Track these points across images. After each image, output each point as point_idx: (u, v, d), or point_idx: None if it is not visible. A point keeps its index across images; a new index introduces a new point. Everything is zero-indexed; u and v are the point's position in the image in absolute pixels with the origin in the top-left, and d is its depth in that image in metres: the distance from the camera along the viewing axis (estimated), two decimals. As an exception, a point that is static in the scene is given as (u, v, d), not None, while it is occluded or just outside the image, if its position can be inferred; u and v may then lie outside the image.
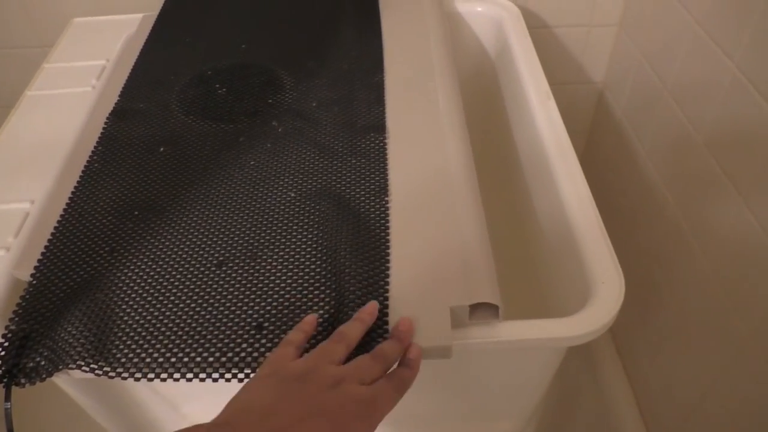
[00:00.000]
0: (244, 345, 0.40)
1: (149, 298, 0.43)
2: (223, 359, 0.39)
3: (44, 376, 0.39)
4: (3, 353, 0.40)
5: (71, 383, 0.48)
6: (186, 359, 0.39)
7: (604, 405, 0.86)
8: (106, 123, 0.58)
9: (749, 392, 0.60)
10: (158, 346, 0.40)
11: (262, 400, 0.32)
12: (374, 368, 0.36)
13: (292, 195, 0.50)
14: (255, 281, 0.43)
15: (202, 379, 0.39)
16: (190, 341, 0.40)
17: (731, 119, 0.61)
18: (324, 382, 0.34)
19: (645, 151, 0.80)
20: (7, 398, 0.39)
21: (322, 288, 0.43)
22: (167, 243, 0.46)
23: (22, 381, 0.39)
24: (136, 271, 0.45)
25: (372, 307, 0.40)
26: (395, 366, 0.38)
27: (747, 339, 0.60)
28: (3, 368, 0.39)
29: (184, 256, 0.45)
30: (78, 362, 0.39)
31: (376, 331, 0.40)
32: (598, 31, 0.88)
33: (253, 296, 0.42)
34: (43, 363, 0.39)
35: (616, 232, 0.89)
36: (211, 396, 0.54)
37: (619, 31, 0.88)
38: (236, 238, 0.46)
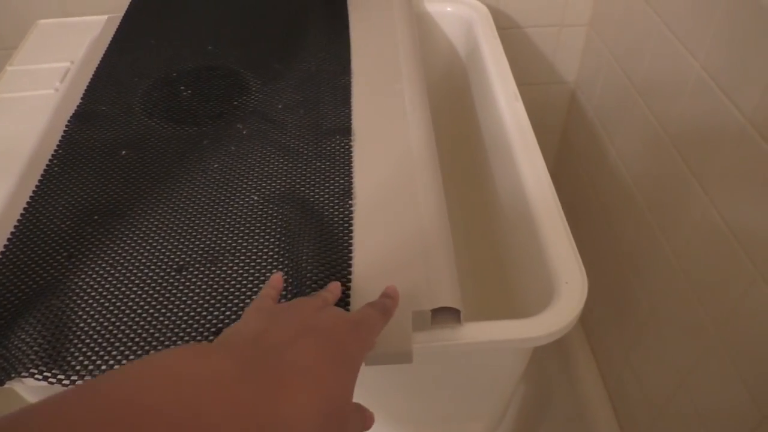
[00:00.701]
0: (203, 351, 0.39)
1: (106, 304, 0.42)
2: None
3: (-3, 385, 0.39)
4: (-45, 362, 0.39)
5: (30, 391, 0.47)
6: (143, 366, 0.39)
7: (579, 404, 0.87)
8: (67, 126, 0.57)
9: (717, 388, 0.61)
10: (114, 352, 0.39)
11: (256, 326, 0.32)
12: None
13: (255, 198, 0.49)
14: (215, 286, 0.43)
15: (159, 387, 0.38)
16: (147, 347, 0.39)
17: (696, 118, 0.62)
18: (313, 305, 0.34)
19: (615, 149, 0.81)
20: (-41, 409, 0.38)
21: (283, 292, 0.42)
22: (127, 248, 0.46)
23: (-25, 390, 0.38)
24: (94, 276, 0.44)
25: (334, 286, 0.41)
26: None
27: (714, 336, 0.60)
28: (-46, 378, 0.38)
29: (144, 261, 0.45)
30: (31, 370, 0.38)
31: None
32: (569, 31, 0.89)
33: (212, 301, 0.42)
34: (-4, 371, 0.39)
35: (588, 231, 0.89)
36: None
37: (589, 31, 0.88)
38: (197, 243, 0.46)
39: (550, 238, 0.48)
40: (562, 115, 0.99)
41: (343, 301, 0.41)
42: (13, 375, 0.38)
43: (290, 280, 0.43)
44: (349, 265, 0.43)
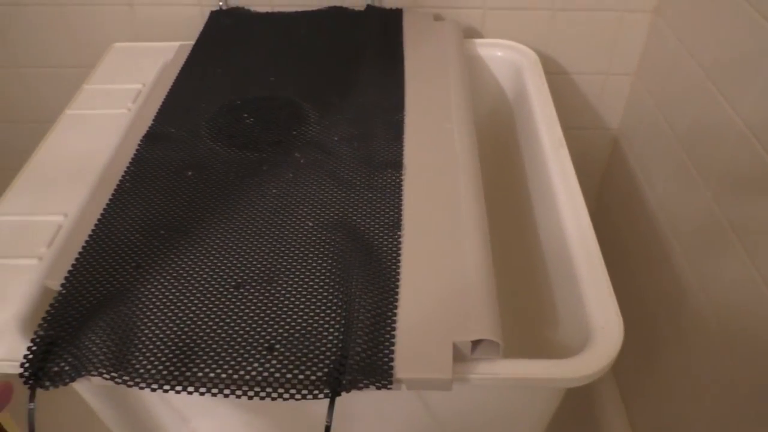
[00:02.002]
0: (256, 365, 0.42)
1: (169, 314, 0.45)
2: (235, 377, 0.41)
3: (67, 380, 0.42)
4: (30, 357, 0.42)
5: (89, 389, 0.50)
6: (200, 374, 0.42)
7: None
8: (139, 145, 0.61)
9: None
10: (175, 360, 0.42)
11: None
12: None
13: (310, 224, 0.52)
14: (269, 304, 0.46)
15: (214, 395, 0.41)
16: (204, 357, 0.42)
17: (737, 171, 0.63)
18: None
19: (655, 198, 0.82)
20: (31, 399, 0.41)
21: (333, 315, 0.45)
22: (189, 262, 0.49)
23: (46, 384, 0.42)
24: (159, 287, 0.47)
25: None
26: None
27: (748, 393, 0.60)
28: (30, 371, 0.42)
29: (204, 275, 0.48)
30: (99, 370, 0.42)
31: (382, 352, 0.42)
32: (615, 79, 0.91)
33: (266, 318, 0.45)
34: (66, 368, 0.42)
35: (624, 277, 0.90)
36: (220, 412, 0.56)
37: (634, 80, 0.90)
38: (254, 262, 0.49)
39: (590, 282, 0.50)
40: (603, 161, 1.00)
41: (390, 326, 0.44)
42: (83, 373, 0.42)
43: (340, 304, 0.45)
44: (396, 293, 0.46)
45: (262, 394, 0.41)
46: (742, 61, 0.62)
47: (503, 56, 0.80)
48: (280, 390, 0.41)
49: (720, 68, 0.67)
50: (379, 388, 0.41)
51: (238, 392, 0.41)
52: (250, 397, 0.41)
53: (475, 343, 0.44)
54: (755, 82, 0.60)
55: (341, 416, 0.42)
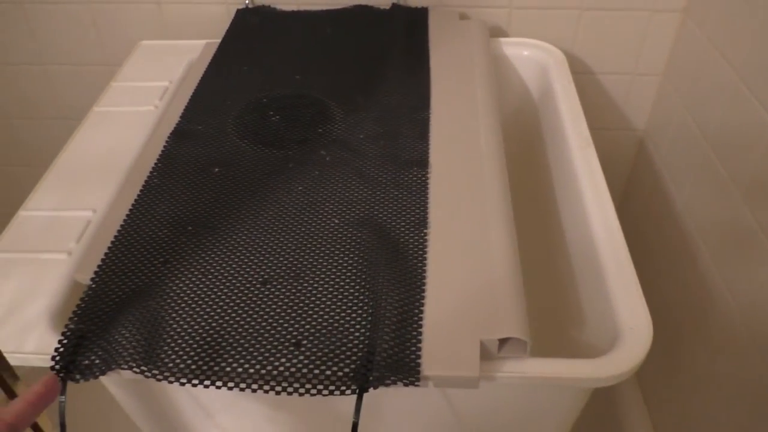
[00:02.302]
0: (283, 360, 0.42)
1: (197, 309, 0.45)
2: (263, 372, 0.41)
3: (97, 373, 0.42)
4: (61, 350, 0.43)
5: (116, 383, 0.51)
6: (228, 369, 0.42)
7: (628, 452, 0.85)
8: (166, 142, 0.61)
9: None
10: (203, 354, 0.43)
11: None
12: None
13: (336, 222, 0.52)
14: (296, 300, 0.46)
15: (242, 389, 0.41)
16: (232, 352, 0.43)
17: (769, 175, 0.62)
18: None
19: (682, 200, 0.81)
20: (62, 392, 0.42)
21: (360, 312, 0.45)
22: (217, 258, 0.49)
23: (77, 377, 0.42)
24: (187, 282, 0.47)
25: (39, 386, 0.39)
26: None
27: (776, 396, 0.59)
28: (60, 364, 0.42)
29: (232, 272, 0.48)
30: (129, 363, 0.42)
31: (409, 349, 0.41)
32: (642, 79, 0.90)
33: (293, 314, 0.45)
34: (97, 362, 0.42)
35: (649, 279, 0.89)
36: (245, 408, 0.57)
37: (662, 81, 0.89)
38: (281, 259, 0.49)
39: (618, 282, 0.49)
40: (629, 162, 0.99)
41: (417, 323, 0.43)
42: (113, 366, 0.42)
43: (367, 301, 0.45)
44: (423, 291, 0.46)
45: (290, 389, 0.41)
46: (774, 60, 0.61)
47: (529, 55, 0.80)
48: (308, 386, 0.41)
49: (752, 68, 0.66)
50: (406, 385, 0.40)
51: (266, 387, 0.41)
52: (278, 392, 0.41)
53: (503, 342, 0.43)
54: (788, 82, 0.59)
55: (366, 413, 0.41)
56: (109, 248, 0.50)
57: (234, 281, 0.48)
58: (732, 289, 0.68)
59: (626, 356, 0.45)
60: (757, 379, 0.63)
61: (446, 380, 0.41)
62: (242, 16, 0.82)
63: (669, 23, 0.84)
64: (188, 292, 0.47)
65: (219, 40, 0.77)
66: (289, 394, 0.41)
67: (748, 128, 0.66)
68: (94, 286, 0.47)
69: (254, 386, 0.41)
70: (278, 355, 0.42)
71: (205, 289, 0.47)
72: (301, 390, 0.41)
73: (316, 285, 0.47)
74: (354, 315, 0.45)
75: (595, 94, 0.91)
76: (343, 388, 0.41)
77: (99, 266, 0.49)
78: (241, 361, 0.42)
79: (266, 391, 0.41)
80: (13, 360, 0.42)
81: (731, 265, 0.69)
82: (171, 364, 0.42)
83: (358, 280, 0.47)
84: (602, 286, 0.50)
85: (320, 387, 0.41)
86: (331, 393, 0.41)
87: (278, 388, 0.41)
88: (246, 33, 0.79)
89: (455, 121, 0.63)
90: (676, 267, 0.82)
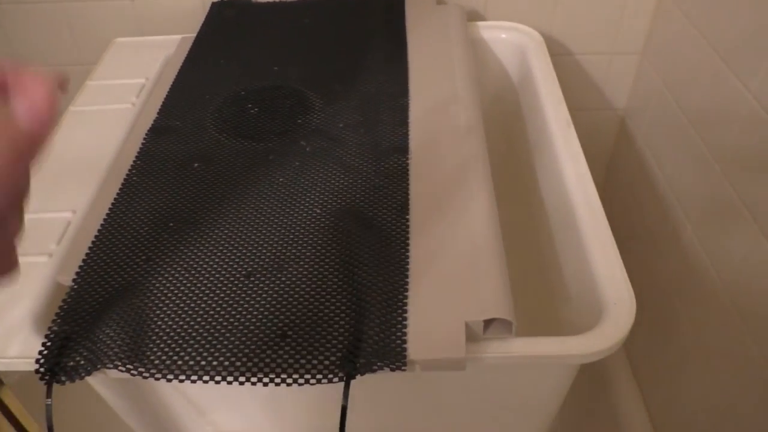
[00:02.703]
0: (269, 351, 0.42)
1: (181, 305, 0.45)
2: (249, 364, 0.41)
3: (83, 374, 0.42)
4: (45, 353, 0.43)
5: (104, 383, 0.51)
6: (214, 363, 0.42)
7: (620, 429, 0.86)
8: (144, 139, 0.61)
9: (763, 420, 0.61)
10: (189, 350, 0.42)
11: None
12: None
13: (318, 211, 0.52)
14: (281, 291, 0.46)
15: (229, 382, 0.41)
16: (218, 346, 0.43)
17: (748, 148, 0.63)
18: None
19: (665, 177, 0.82)
20: (48, 395, 0.41)
21: (344, 299, 0.45)
22: (199, 253, 0.49)
23: (63, 379, 0.42)
24: (170, 279, 0.47)
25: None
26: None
27: (763, 366, 0.60)
28: (45, 367, 0.42)
29: (215, 266, 0.48)
30: (115, 362, 0.42)
31: (395, 334, 0.42)
32: (621, 59, 0.90)
33: (278, 305, 0.45)
34: (82, 362, 0.42)
35: (635, 256, 0.90)
36: (236, 403, 0.57)
37: (641, 60, 0.90)
38: (264, 251, 0.49)
39: (601, 259, 0.50)
40: (610, 142, 1.00)
41: (402, 308, 0.43)
42: (99, 366, 0.42)
43: (351, 289, 0.45)
44: (407, 276, 0.46)
45: (277, 380, 0.41)
46: (752, 38, 0.62)
47: (507, 38, 0.80)
48: (295, 375, 0.41)
49: (730, 45, 0.66)
50: (393, 370, 0.41)
51: (253, 379, 0.41)
52: (266, 384, 0.41)
53: (488, 323, 0.44)
54: (764, 58, 0.59)
55: (356, 398, 0.42)
56: (90, 248, 0.50)
57: (217, 275, 0.47)
58: (715, 262, 0.69)
59: (611, 331, 0.45)
60: (742, 351, 0.63)
61: (433, 363, 0.42)
62: (217, 9, 0.81)
63: (646, 1, 0.84)
64: (172, 288, 0.46)
65: (195, 35, 0.77)
66: (277, 384, 0.41)
67: (726, 104, 0.66)
68: (76, 287, 0.47)
69: (241, 379, 0.41)
70: (264, 347, 0.42)
71: (188, 285, 0.47)
72: (289, 380, 0.41)
73: (299, 275, 0.47)
74: (339, 303, 0.45)
75: (574, 75, 0.92)
76: (331, 376, 0.41)
77: (80, 267, 0.48)
78: (228, 354, 0.42)
79: (254, 383, 0.41)
80: (-4, 365, 0.42)
81: (714, 239, 0.69)
82: (157, 361, 0.42)
83: (342, 269, 0.47)
84: (585, 264, 0.50)
85: (308, 376, 0.41)
86: (319, 381, 0.41)
87: (266, 380, 0.41)
88: (222, 26, 0.78)
89: (435, 107, 0.62)
90: (660, 243, 0.83)
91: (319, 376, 0.41)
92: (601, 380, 0.92)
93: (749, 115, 0.62)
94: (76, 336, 0.43)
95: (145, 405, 0.55)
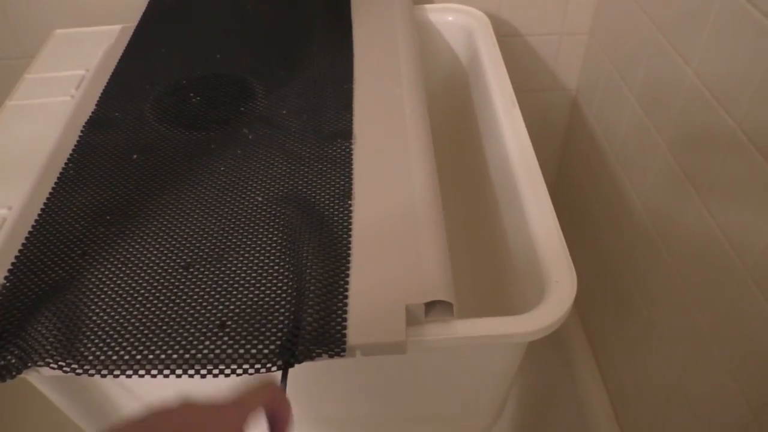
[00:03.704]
0: (207, 342, 0.41)
1: (118, 299, 0.44)
2: (187, 356, 0.41)
3: (14, 373, 0.41)
4: (-25, 353, 0.41)
5: (43, 382, 0.50)
6: (151, 356, 0.41)
7: (579, 403, 0.88)
8: (81, 132, 0.59)
9: (711, 386, 0.62)
10: (125, 344, 0.42)
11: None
12: None
13: (260, 199, 0.51)
14: (220, 281, 0.45)
15: (166, 376, 0.40)
16: (155, 339, 0.42)
17: (690, 124, 0.64)
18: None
19: (615, 155, 0.83)
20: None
21: (284, 287, 0.44)
22: (137, 246, 0.48)
23: (-7, 378, 0.41)
24: (106, 273, 0.46)
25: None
26: None
27: (708, 336, 0.62)
28: (-25, 367, 0.41)
29: (153, 258, 0.47)
30: (47, 360, 0.41)
31: (335, 320, 0.41)
32: (569, 39, 0.90)
33: (217, 296, 0.44)
34: (13, 361, 0.41)
35: (589, 234, 0.91)
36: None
37: (589, 39, 0.90)
38: (204, 241, 0.48)
39: (543, 238, 0.50)
40: (563, 122, 1.00)
41: (342, 294, 0.43)
42: (29, 364, 0.41)
43: (291, 276, 0.45)
44: (348, 261, 0.46)
45: (215, 371, 0.40)
46: (689, 13, 0.62)
47: (454, 20, 0.79)
48: (233, 366, 0.40)
49: (670, 21, 0.67)
50: (332, 357, 0.40)
51: (191, 371, 0.40)
52: (203, 376, 0.40)
53: (430, 306, 0.43)
54: (701, 34, 0.60)
55: (300, 387, 0.41)
56: (23, 244, 0.49)
57: (155, 267, 0.46)
58: (665, 237, 0.70)
59: (552, 309, 0.45)
60: (691, 320, 0.65)
61: (373, 348, 0.41)
62: (159, -3, 0.79)
63: (591, -20, 0.84)
64: (108, 282, 0.45)
65: (135, 25, 0.75)
66: (215, 376, 0.40)
67: (668, 80, 0.67)
68: (7, 284, 0.46)
69: (179, 371, 0.40)
70: (202, 338, 0.42)
71: (125, 278, 0.46)
72: (227, 371, 0.40)
73: (239, 265, 0.46)
74: (279, 291, 0.44)
75: (525, 56, 0.92)
76: (269, 365, 0.40)
77: (13, 263, 0.47)
78: (164, 347, 0.41)
79: (191, 376, 0.40)
80: None
81: (662, 214, 0.70)
82: (91, 357, 0.41)
83: (283, 256, 0.46)
84: (529, 242, 0.51)
85: (246, 366, 0.40)
86: (257, 371, 0.40)
87: (203, 371, 0.40)
88: (163, 15, 0.76)
89: (379, 90, 0.62)
90: (613, 219, 0.84)
91: (257, 366, 0.40)
92: (560, 355, 0.93)
93: (690, 91, 0.63)
94: (6, 334, 0.42)
95: (91, 402, 0.54)
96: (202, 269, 0.46)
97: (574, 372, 0.90)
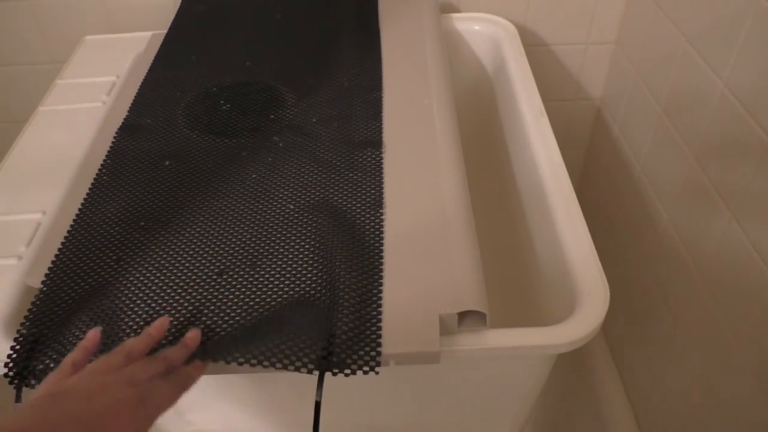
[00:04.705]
0: (243, 350, 0.42)
1: (152, 304, 0.45)
2: (221, 362, 0.41)
3: (52, 377, 0.41)
4: (14, 356, 0.42)
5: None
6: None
7: (602, 417, 0.87)
8: (115, 138, 0.60)
9: (738, 401, 0.61)
10: (160, 349, 0.42)
11: (20, 425, 0.33)
12: (149, 368, 0.38)
13: (291, 207, 0.52)
14: (253, 288, 0.45)
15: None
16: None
17: (720, 135, 0.63)
18: (82, 394, 0.35)
19: (640, 165, 0.82)
20: (18, 399, 0.41)
21: (318, 296, 0.44)
22: (171, 252, 0.49)
23: (32, 382, 0.41)
24: (141, 279, 0.47)
25: (159, 322, 0.42)
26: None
27: (736, 350, 0.61)
28: (14, 370, 0.41)
29: (187, 264, 0.48)
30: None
31: (370, 329, 0.41)
32: (595, 48, 0.90)
33: (251, 303, 0.44)
34: (51, 365, 0.42)
35: (612, 245, 0.90)
36: (215, 404, 0.56)
37: (615, 49, 0.90)
38: (237, 248, 0.49)
39: (574, 249, 0.50)
40: (587, 131, 1.00)
41: (376, 303, 0.43)
42: (68, 368, 0.41)
43: (325, 285, 0.45)
44: (381, 270, 0.46)
45: (253, 362, 0.40)
46: (720, 24, 0.62)
47: (481, 30, 0.80)
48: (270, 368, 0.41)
49: (699, 32, 0.66)
50: (366, 372, 0.40)
51: (225, 373, 0.41)
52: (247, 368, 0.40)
53: (462, 316, 0.43)
54: (734, 45, 0.60)
55: (331, 391, 0.41)
56: (60, 250, 0.49)
57: (189, 274, 0.47)
58: (690, 248, 0.69)
59: (584, 321, 0.45)
60: (716, 336, 0.64)
61: (408, 357, 0.41)
62: (188, 4, 0.80)
63: (618, -9, 0.84)
64: (143, 288, 0.46)
65: (165, 32, 0.76)
66: (252, 366, 0.40)
67: (697, 91, 0.67)
68: (45, 289, 0.46)
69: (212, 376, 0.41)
70: (238, 344, 0.42)
71: (159, 284, 0.46)
72: (266, 363, 0.40)
73: (272, 272, 0.46)
74: (313, 299, 0.44)
75: (550, 65, 0.92)
76: (305, 371, 0.40)
77: (50, 269, 0.48)
78: (199, 351, 0.42)
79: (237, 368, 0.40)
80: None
81: (688, 225, 0.70)
82: (128, 362, 0.41)
83: (316, 264, 0.47)
84: (559, 254, 0.50)
85: (280, 367, 0.40)
86: (297, 369, 0.40)
87: (241, 368, 0.41)
88: (193, 22, 0.77)
89: (408, 100, 0.62)
90: (637, 230, 0.84)
91: (291, 368, 0.40)
92: (582, 368, 0.93)
93: (720, 102, 0.62)
94: (45, 339, 0.43)
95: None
96: (235, 275, 0.46)
97: (596, 384, 0.90)
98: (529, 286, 0.61)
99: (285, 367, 0.40)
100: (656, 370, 0.80)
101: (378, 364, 0.41)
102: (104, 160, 0.58)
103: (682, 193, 0.71)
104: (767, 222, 0.56)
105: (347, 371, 0.40)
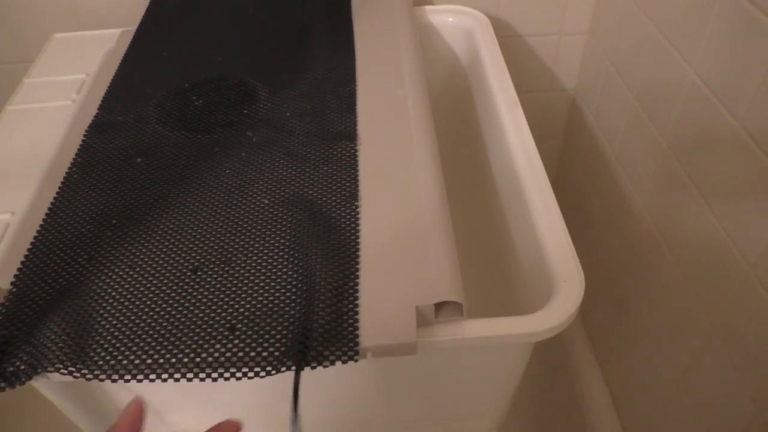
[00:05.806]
0: (218, 345, 0.41)
1: (126, 303, 0.44)
2: (197, 359, 0.41)
3: (24, 379, 0.41)
4: (-17, 359, 0.41)
5: (50, 388, 0.49)
6: (161, 360, 0.41)
7: (581, 403, 0.88)
8: (85, 136, 0.59)
9: (714, 384, 0.62)
10: (134, 348, 0.41)
11: None
12: None
13: (266, 202, 0.51)
14: (229, 285, 0.45)
15: (177, 380, 0.40)
16: (165, 343, 0.42)
17: (691, 123, 0.64)
18: None
19: (615, 155, 0.83)
20: (-11, 402, 0.40)
21: (294, 290, 0.44)
22: (144, 250, 0.48)
23: (2, 385, 0.40)
24: (114, 277, 0.46)
25: (132, 408, 0.36)
26: None
27: (712, 334, 0.62)
28: (-17, 374, 0.40)
29: (160, 262, 0.47)
30: (56, 365, 0.40)
31: (346, 322, 0.41)
32: (568, 39, 0.91)
33: (226, 299, 0.44)
34: (22, 367, 0.41)
35: (589, 234, 0.91)
36: (195, 404, 0.56)
37: (588, 39, 0.90)
38: (211, 244, 0.48)
39: (550, 238, 0.50)
40: (562, 122, 1.01)
41: (352, 296, 0.43)
42: (39, 370, 0.41)
43: (301, 279, 0.45)
44: (357, 263, 0.46)
45: (226, 375, 0.40)
46: (690, 13, 0.63)
47: (454, 21, 0.80)
48: (245, 369, 0.40)
49: (669, 21, 0.67)
50: (344, 362, 0.40)
51: (202, 375, 0.40)
52: (214, 380, 0.40)
53: (439, 306, 0.43)
54: (702, 33, 0.60)
55: (308, 385, 0.41)
56: (29, 249, 0.48)
57: (163, 271, 0.46)
58: (666, 237, 0.70)
59: (561, 309, 0.45)
60: (693, 319, 0.65)
61: (384, 349, 0.41)
62: (159, 0, 0.79)
63: (590, -19, 0.84)
64: (115, 286, 0.45)
65: (135, 28, 0.74)
66: (226, 379, 0.40)
67: (670, 81, 0.67)
68: (14, 290, 0.45)
69: (189, 375, 0.40)
70: (212, 341, 0.42)
71: (133, 282, 0.45)
72: (238, 374, 0.40)
73: (248, 267, 0.46)
74: (288, 294, 0.44)
75: (524, 56, 0.92)
76: (281, 367, 0.40)
77: (19, 269, 0.47)
78: (175, 350, 0.41)
79: (202, 379, 0.40)
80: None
81: (663, 214, 0.71)
82: (101, 361, 0.41)
83: (291, 259, 0.46)
84: (535, 242, 0.51)
85: (257, 369, 0.40)
86: (269, 374, 0.40)
87: (214, 375, 0.40)
88: (163, 17, 0.76)
89: (382, 92, 0.62)
90: (614, 219, 0.85)
91: (268, 368, 0.40)
92: (562, 355, 0.94)
93: (690, 90, 0.63)
94: (15, 340, 0.42)
95: (96, 408, 0.53)
96: (210, 272, 0.46)
97: (575, 372, 0.91)
98: (506, 275, 0.61)
99: (257, 375, 0.40)
100: (634, 356, 0.81)
101: (356, 355, 0.40)
102: (74, 159, 0.57)
103: (656, 181, 0.72)
104: (738, 208, 0.57)
105: (326, 363, 0.40)
